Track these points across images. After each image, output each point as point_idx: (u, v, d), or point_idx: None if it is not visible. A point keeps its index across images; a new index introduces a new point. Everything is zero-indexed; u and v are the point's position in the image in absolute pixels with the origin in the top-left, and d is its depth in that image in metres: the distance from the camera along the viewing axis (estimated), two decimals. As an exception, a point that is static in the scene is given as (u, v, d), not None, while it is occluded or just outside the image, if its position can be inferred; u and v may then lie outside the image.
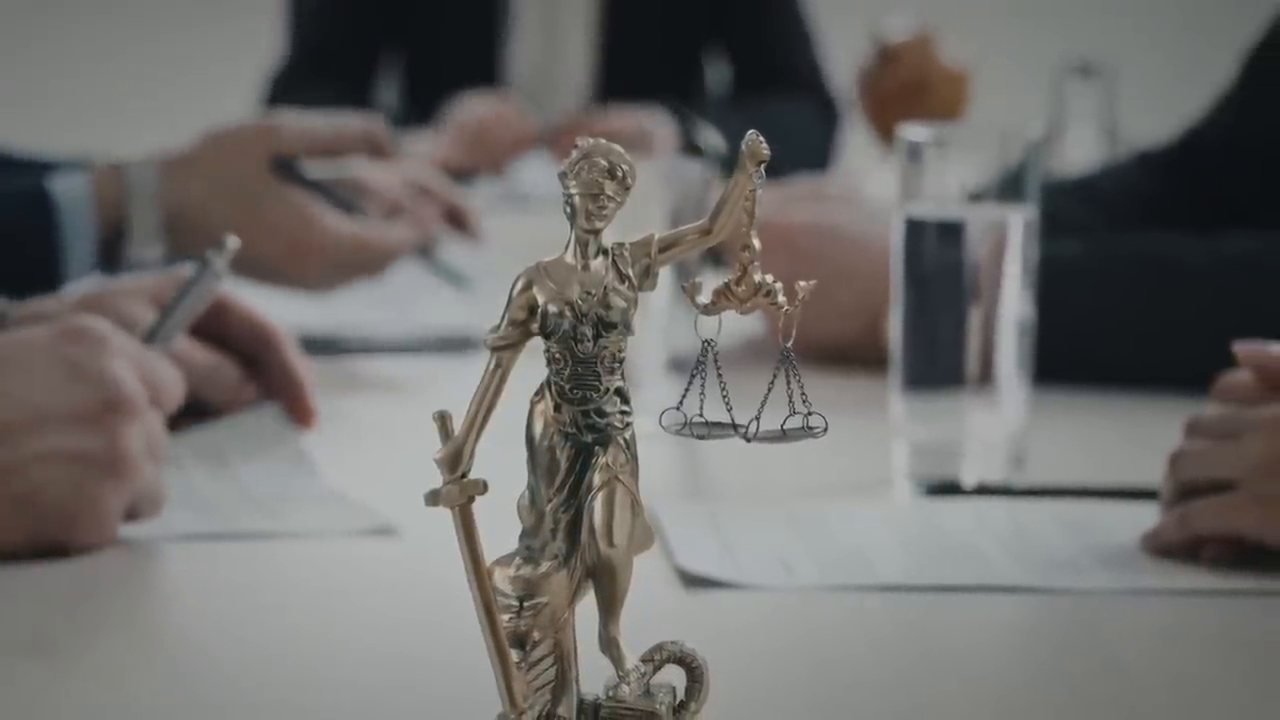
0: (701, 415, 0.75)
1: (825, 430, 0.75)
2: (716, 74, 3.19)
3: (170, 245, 1.60)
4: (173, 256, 1.59)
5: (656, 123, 2.70)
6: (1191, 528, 1.07)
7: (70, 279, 1.54)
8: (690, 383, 0.75)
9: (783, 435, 0.75)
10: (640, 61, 3.13)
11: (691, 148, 1.82)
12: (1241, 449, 1.06)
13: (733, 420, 0.75)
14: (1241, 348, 1.09)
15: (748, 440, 0.75)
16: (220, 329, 1.29)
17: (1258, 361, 1.09)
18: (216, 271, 1.22)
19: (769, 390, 0.75)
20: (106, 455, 1.04)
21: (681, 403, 0.75)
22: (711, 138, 1.79)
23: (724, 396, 0.75)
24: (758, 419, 0.75)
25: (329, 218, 1.64)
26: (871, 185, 2.27)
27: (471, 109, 2.73)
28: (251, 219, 1.62)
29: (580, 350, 0.74)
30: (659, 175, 1.45)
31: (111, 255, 1.59)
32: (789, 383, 0.75)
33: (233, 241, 1.22)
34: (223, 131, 1.66)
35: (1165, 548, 1.08)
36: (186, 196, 1.61)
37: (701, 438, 0.75)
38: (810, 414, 0.75)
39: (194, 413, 1.29)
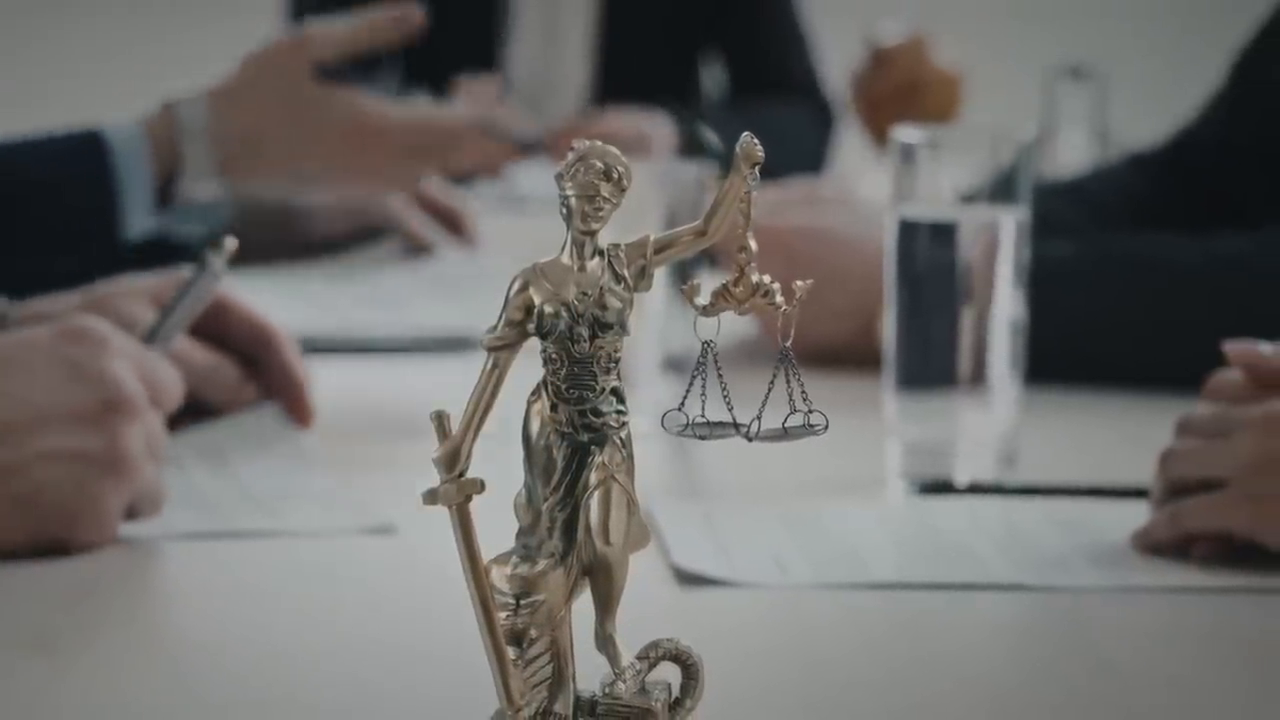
0: (703, 416, 0.75)
1: (826, 428, 0.75)
2: (713, 77, 3.19)
3: (227, 176, 1.60)
4: (230, 188, 1.59)
5: (654, 125, 2.70)
6: (1182, 526, 1.07)
7: (128, 223, 1.53)
8: (691, 384, 0.75)
9: (784, 434, 0.75)
10: (638, 65, 3.13)
11: (693, 147, 1.82)
12: (1231, 447, 1.06)
13: (734, 420, 0.75)
14: (1232, 347, 1.09)
15: (750, 440, 0.75)
16: (220, 330, 1.29)
17: (1248, 361, 1.09)
18: (215, 272, 1.22)
19: (769, 389, 0.75)
20: (107, 455, 1.04)
21: (683, 404, 0.75)
22: (709, 139, 1.79)
23: (725, 397, 0.75)
24: (759, 418, 0.75)
25: (385, 105, 1.63)
26: (865, 187, 2.28)
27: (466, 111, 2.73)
28: (307, 129, 1.61)
29: (576, 350, 0.74)
30: (656, 177, 1.45)
31: (168, 196, 1.58)
32: (789, 382, 0.75)
33: (230, 242, 1.22)
34: (258, 53, 1.65)
35: (1156, 545, 1.08)
36: (237, 124, 1.60)
37: (704, 438, 0.75)
38: (811, 412, 0.75)
39: (194, 413, 1.29)
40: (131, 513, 1.07)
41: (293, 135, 1.59)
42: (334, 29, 1.66)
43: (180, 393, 1.12)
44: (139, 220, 1.54)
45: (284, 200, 1.96)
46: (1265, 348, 1.09)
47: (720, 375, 0.75)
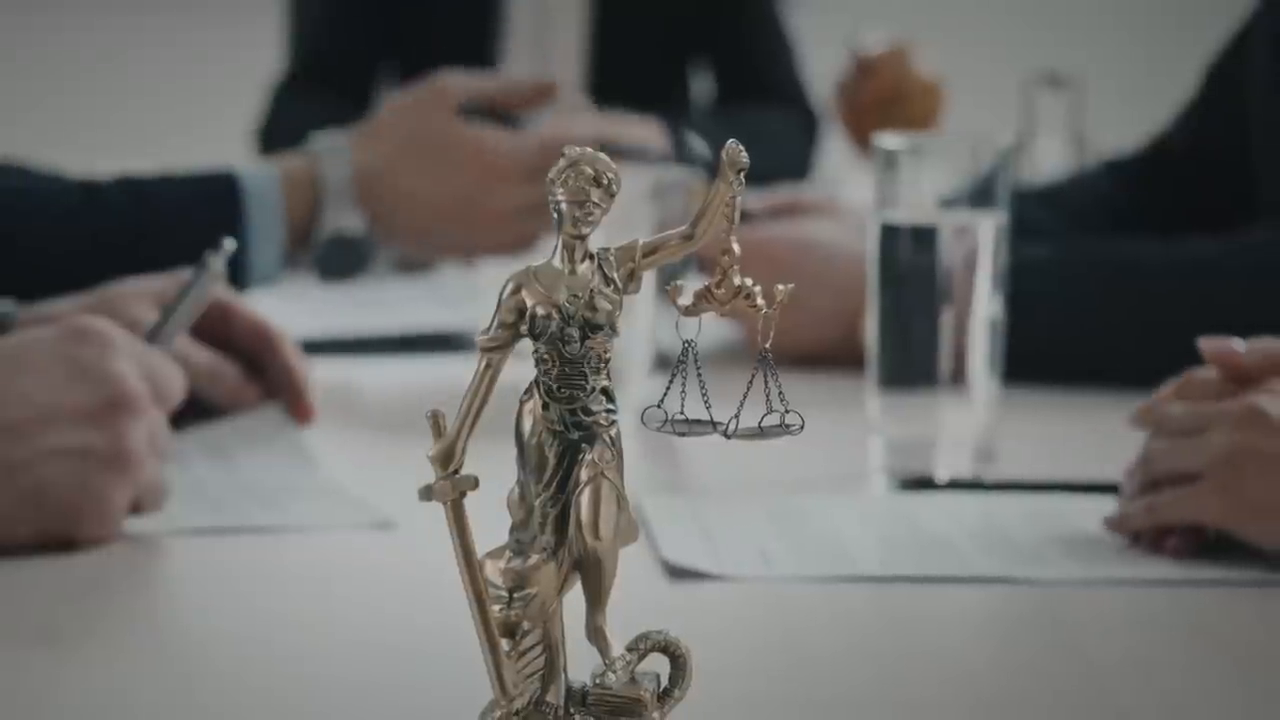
0: (682, 413, 0.75)
1: (802, 428, 0.75)
2: (701, 85, 3.19)
3: (367, 209, 1.60)
4: (372, 229, 1.59)
5: (646, 131, 2.70)
6: (1158, 517, 1.07)
7: (255, 266, 1.52)
8: (671, 381, 0.75)
9: (760, 433, 0.75)
10: (629, 73, 3.13)
11: (679, 156, 1.82)
12: (1205, 442, 1.06)
13: (712, 418, 0.75)
14: (1206, 344, 1.10)
15: (727, 437, 0.75)
16: (223, 331, 1.29)
17: (1221, 357, 1.09)
18: (214, 273, 1.22)
19: (748, 389, 0.75)
20: (110, 451, 1.04)
21: (663, 400, 0.75)
22: (697, 146, 1.78)
23: (704, 395, 0.75)
24: (737, 417, 0.75)
25: (510, 137, 1.64)
26: (849, 192, 2.28)
27: None
28: (440, 164, 1.62)
29: (567, 351, 0.74)
30: (646, 183, 1.45)
31: (305, 236, 1.58)
32: (767, 382, 0.75)
33: (229, 244, 1.22)
34: (402, 97, 1.67)
35: (1130, 533, 1.09)
36: (377, 159, 1.61)
37: (682, 434, 0.75)
38: (787, 412, 0.75)
39: (198, 412, 1.29)
40: (135, 507, 1.07)
41: (425, 170, 1.61)
42: (477, 84, 1.67)
43: (182, 389, 1.12)
44: (268, 265, 1.54)
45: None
46: (1238, 344, 1.09)
47: (700, 374, 0.75)
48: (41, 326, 1.08)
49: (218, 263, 1.21)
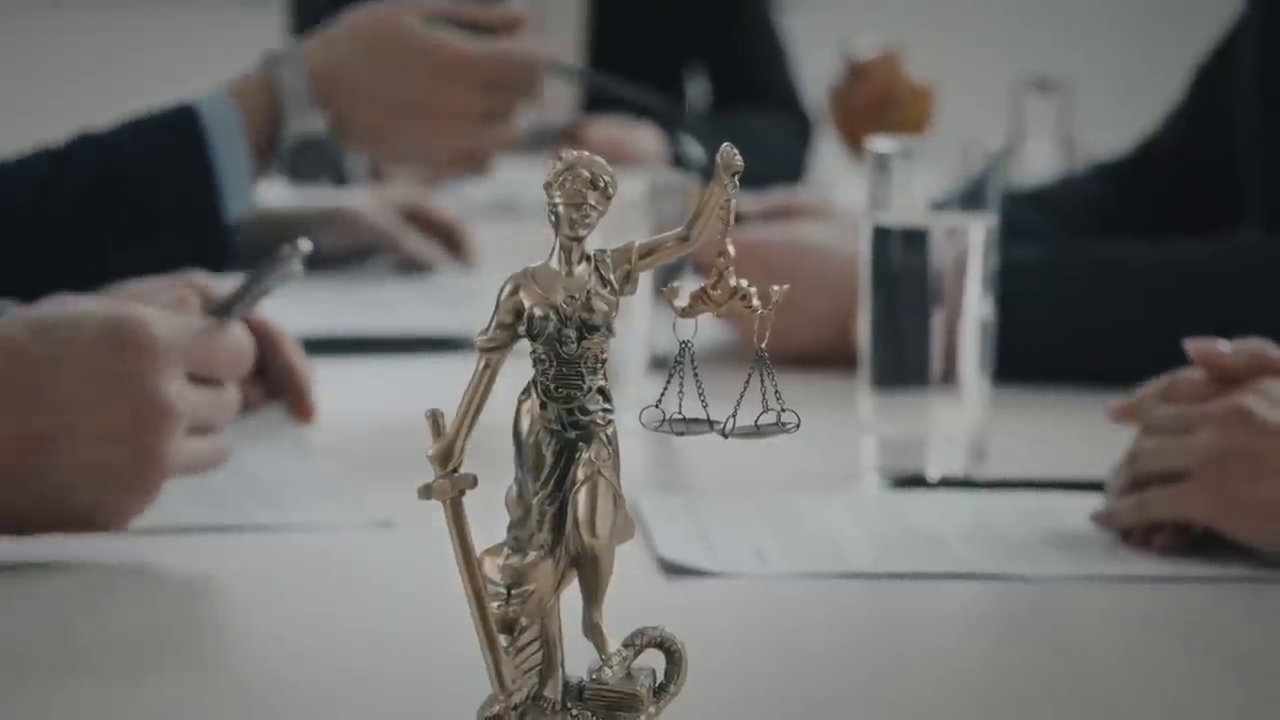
0: (680, 412, 0.75)
1: (797, 426, 0.75)
2: (697, 89, 3.19)
3: (328, 111, 1.56)
4: (330, 126, 1.57)
5: (646, 135, 2.70)
6: (1147, 514, 1.07)
7: (229, 196, 1.50)
8: (668, 382, 0.75)
9: (757, 431, 0.75)
10: (626, 76, 3.13)
11: (676, 159, 1.81)
12: (1193, 442, 1.06)
13: (709, 417, 0.75)
14: (1193, 345, 1.10)
15: (725, 436, 0.75)
16: None
17: (1208, 358, 1.09)
18: (291, 267, 1.15)
19: (744, 388, 0.75)
20: (136, 468, 1.02)
21: (660, 400, 0.75)
22: (692, 149, 1.78)
23: (700, 395, 0.75)
24: (734, 416, 0.75)
25: (468, 40, 1.62)
26: (842, 194, 2.28)
27: None
28: (395, 61, 1.60)
29: (564, 351, 0.74)
30: (644, 185, 1.45)
31: (271, 148, 1.55)
32: (763, 381, 0.75)
33: (305, 244, 1.18)
34: (358, 11, 1.64)
35: (1119, 529, 1.09)
36: (333, 59, 1.58)
37: (680, 434, 0.75)
38: (783, 411, 0.75)
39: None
40: (193, 468, 1.06)
41: (384, 66, 1.59)
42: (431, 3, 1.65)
43: (250, 356, 1.10)
44: (241, 191, 1.53)
45: (279, 211, 1.95)
46: (1224, 345, 1.09)
47: (697, 374, 0.75)
48: (84, 316, 1.03)
49: (295, 262, 1.17)
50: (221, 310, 1.12)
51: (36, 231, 1.47)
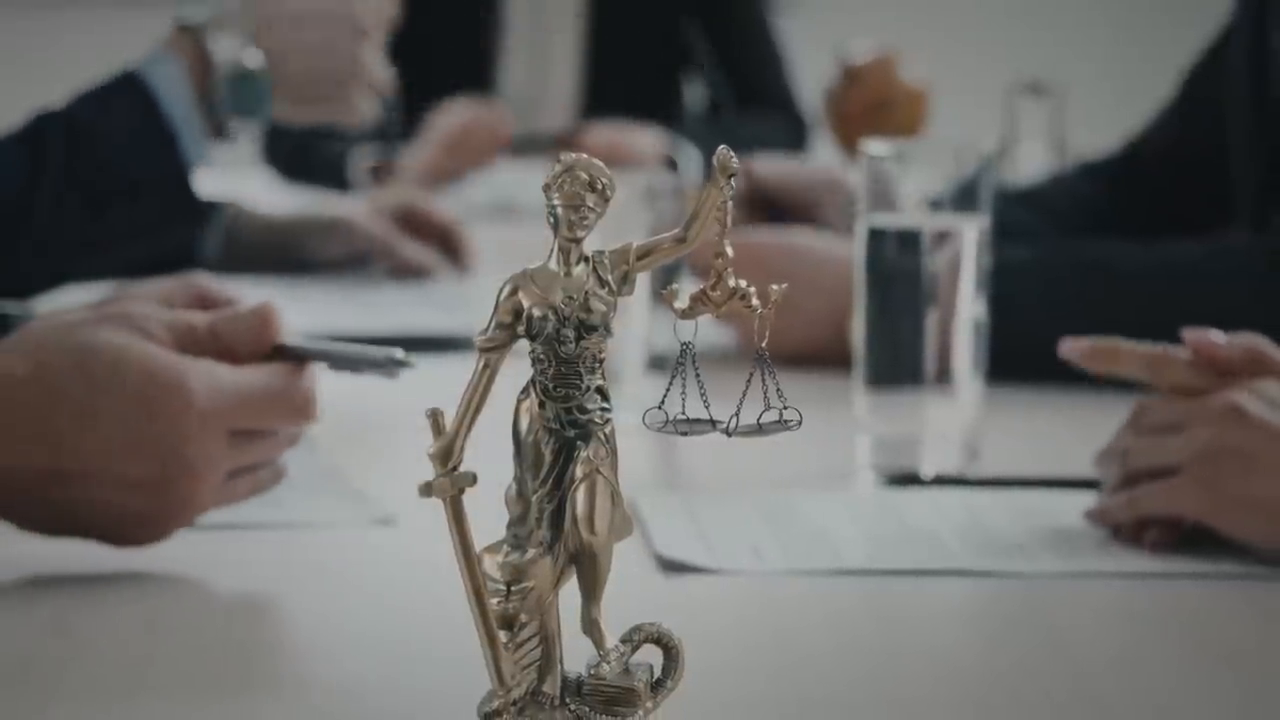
0: (683, 413, 0.75)
1: (800, 424, 0.75)
2: (694, 93, 3.19)
3: (254, 36, 1.56)
4: (262, 51, 1.56)
5: (643, 138, 2.70)
6: (1139, 509, 1.07)
7: (190, 151, 1.50)
8: (670, 383, 0.75)
9: (760, 430, 0.75)
10: (625, 81, 3.13)
11: (672, 162, 1.82)
12: (1185, 439, 1.06)
13: (711, 417, 0.75)
14: (1190, 334, 1.09)
15: (728, 435, 0.75)
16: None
17: (1204, 348, 1.09)
18: (390, 371, 1.11)
19: (746, 388, 0.75)
20: (157, 515, 1.01)
21: (663, 402, 0.75)
22: (680, 157, 1.79)
23: (703, 395, 0.75)
24: (737, 415, 0.75)
25: None
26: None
27: (452, 115, 2.72)
28: None
29: (563, 351, 0.74)
30: (642, 187, 1.45)
31: (207, 92, 1.55)
32: (764, 381, 0.75)
33: (407, 360, 1.12)
34: None
35: (1111, 525, 1.09)
36: None
37: (684, 434, 0.75)
38: (785, 409, 0.75)
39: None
40: (230, 501, 1.04)
41: None
42: None
43: (312, 403, 1.04)
44: (196, 144, 1.52)
45: (278, 219, 1.95)
46: (1219, 336, 1.09)
47: (698, 375, 0.75)
48: (123, 362, 0.99)
49: (397, 370, 1.11)
50: (295, 356, 1.06)
51: (29, 214, 1.48)
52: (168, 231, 1.35)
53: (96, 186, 1.48)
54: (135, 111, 1.50)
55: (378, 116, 1.67)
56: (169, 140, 1.49)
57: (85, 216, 1.47)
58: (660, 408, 0.75)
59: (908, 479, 1.24)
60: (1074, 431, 1.34)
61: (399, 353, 1.09)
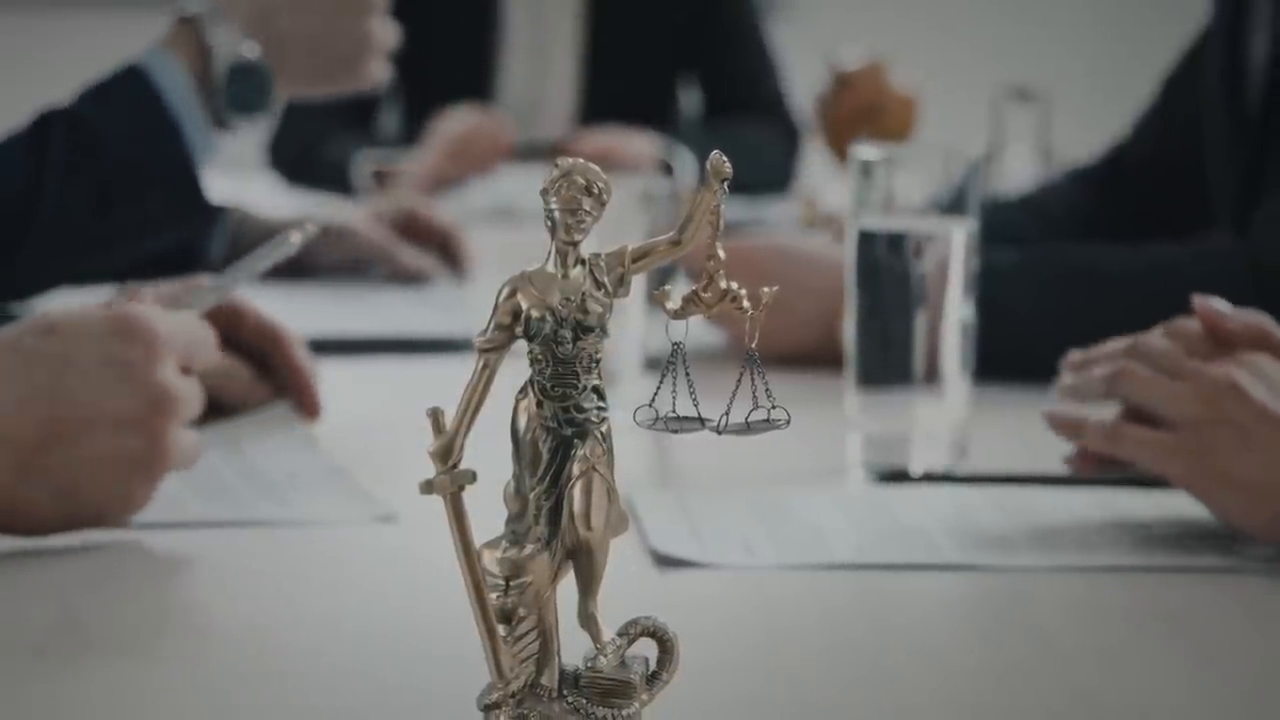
0: (673, 411, 0.75)
1: (787, 423, 0.75)
2: (689, 99, 3.19)
3: (248, 30, 1.53)
4: (253, 43, 1.55)
5: (640, 143, 2.70)
6: (1118, 448, 1.06)
7: (196, 145, 1.50)
8: (661, 382, 0.75)
9: (748, 428, 0.75)
10: (622, 87, 3.13)
11: (668, 166, 1.82)
12: (1183, 395, 1.04)
13: (701, 415, 0.75)
14: (1199, 301, 1.08)
15: (718, 433, 0.75)
16: (235, 332, 1.29)
17: (1211, 317, 1.08)
18: (291, 244, 1.21)
19: (736, 387, 0.75)
20: (147, 455, 1.03)
21: (654, 400, 0.75)
22: (673, 162, 1.79)
23: (692, 393, 0.75)
24: (726, 414, 0.75)
25: None
26: (829, 200, 2.27)
27: (454, 122, 2.72)
28: None
29: (560, 351, 0.74)
30: (638, 191, 1.45)
31: (206, 84, 1.53)
32: (754, 380, 0.75)
33: (311, 228, 1.21)
34: None
35: (1073, 439, 1.07)
36: None
37: (674, 431, 0.75)
38: (773, 408, 0.75)
39: (213, 411, 1.29)
40: (185, 460, 1.06)
41: None
42: None
43: (212, 353, 1.10)
44: (202, 138, 1.51)
45: (281, 223, 1.95)
46: (1225, 306, 1.08)
47: (689, 373, 0.75)
48: (85, 314, 1.05)
49: (297, 236, 1.21)
50: (215, 282, 1.14)
51: (35, 210, 1.47)
52: (174, 227, 1.34)
53: (102, 183, 1.48)
54: (139, 106, 1.49)
55: (387, 81, 1.65)
56: (174, 134, 1.49)
57: (91, 214, 1.46)
58: (651, 405, 0.75)
59: (897, 476, 1.24)
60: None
61: (293, 233, 1.18)
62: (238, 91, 1.53)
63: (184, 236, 1.50)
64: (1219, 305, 1.07)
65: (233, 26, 1.53)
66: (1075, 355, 1.10)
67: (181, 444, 1.05)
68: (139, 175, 1.49)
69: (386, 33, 1.61)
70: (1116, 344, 1.10)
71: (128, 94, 1.50)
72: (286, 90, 1.58)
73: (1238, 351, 1.06)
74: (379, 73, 1.61)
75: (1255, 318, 1.07)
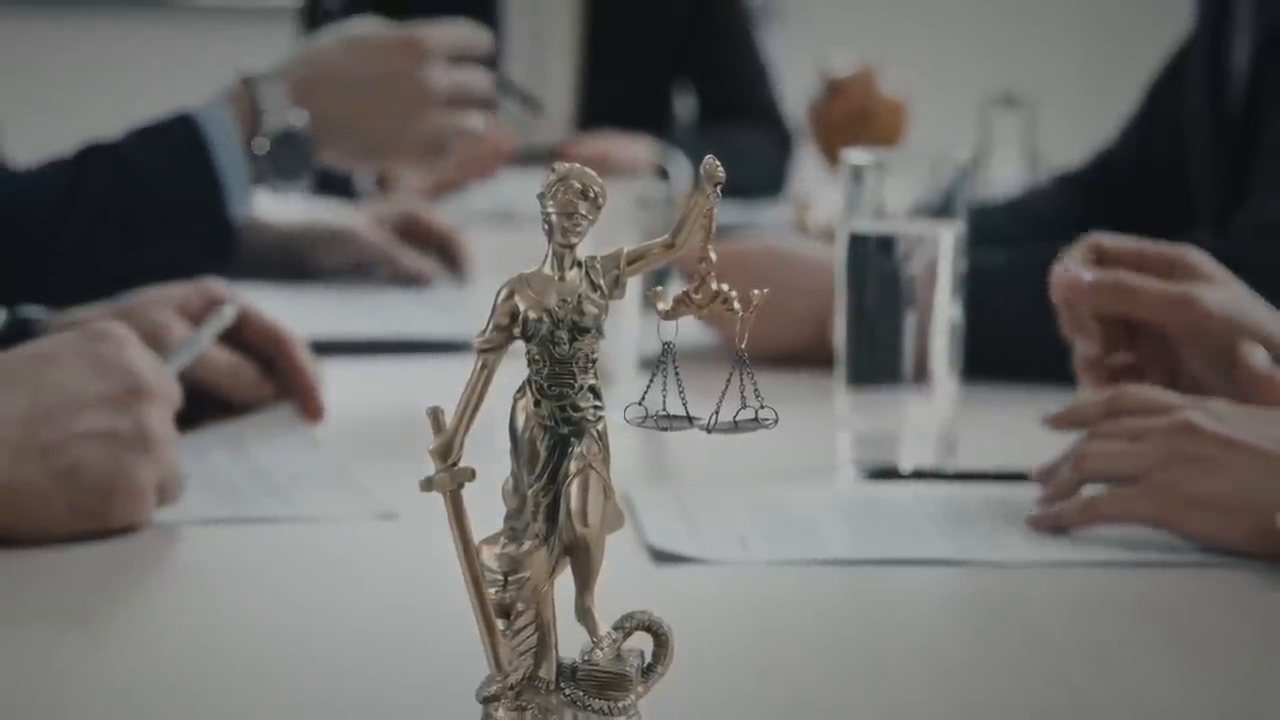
0: (663, 409, 0.75)
1: (775, 422, 0.75)
2: (685, 105, 3.19)
3: (301, 103, 1.56)
4: (307, 119, 1.56)
5: (636, 148, 2.70)
6: (1095, 515, 1.08)
7: (233, 199, 1.51)
8: (652, 380, 0.75)
9: (736, 427, 0.75)
10: (619, 93, 3.13)
11: (663, 171, 1.82)
12: (1142, 451, 1.07)
13: (690, 414, 0.75)
14: (1058, 274, 1.15)
15: (707, 432, 0.75)
16: (241, 334, 1.29)
17: (1069, 285, 1.15)
18: (225, 319, 1.26)
19: (726, 387, 0.75)
20: (135, 433, 1.05)
21: (644, 398, 0.75)
22: (668, 166, 1.79)
23: (681, 392, 0.75)
24: (716, 413, 0.75)
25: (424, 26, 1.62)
26: (821, 203, 2.28)
27: None
28: (367, 44, 1.60)
29: (557, 352, 0.74)
30: (634, 195, 1.45)
31: (252, 147, 1.55)
32: (743, 380, 0.75)
33: (230, 311, 1.25)
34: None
35: (1061, 527, 1.09)
36: (310, 56, 1.58)
37: (663, 429, 0.75)
38: (762, 408, 0.75)
39: (218, 410, 1.29)
40: (160, 496, 1.07)
41: (357, 49, 1.60)
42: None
43: (177, 401, 1.12)
44: (241, 193, 1.53)
45: (285, 228, 1.95)
46: (1086, 275, 1.13)
47: (678, 373, 0.75)
48: (65, 330, 1.10)
49: (229, 312, 1.26)
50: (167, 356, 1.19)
51: (58, 237, 1.48)
52: (198, 271, 1.35)
53: (133, 220, 1.49)
54: (184, 154, 1.51)
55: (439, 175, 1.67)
56: (214, 185, 1.50)
57: (118, 247, 1.48)
58: (641, 403, 0.75)
59: (887, 473, 1.24)
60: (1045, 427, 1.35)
61: (226, 308, 1.25)
62: (280, 156, 1.55)
63: (205, 272, 1.51)
64: (1077, 273, 1.09)
65: (287, 94, 1.55)
66: (1035, 471, 1.12)
67: (165, 432, 1.06)
68: (172, 217, 1.51)
69: (443, 126, 1.62)
70: (1071, 445, 1.11)
71: (175, 139, 1.51)
72: (327, 161, 1.60)
73: (1186, 399, 1.08)
74: (420, 164, 1.64)
75: (1115, 278, 1.09)
